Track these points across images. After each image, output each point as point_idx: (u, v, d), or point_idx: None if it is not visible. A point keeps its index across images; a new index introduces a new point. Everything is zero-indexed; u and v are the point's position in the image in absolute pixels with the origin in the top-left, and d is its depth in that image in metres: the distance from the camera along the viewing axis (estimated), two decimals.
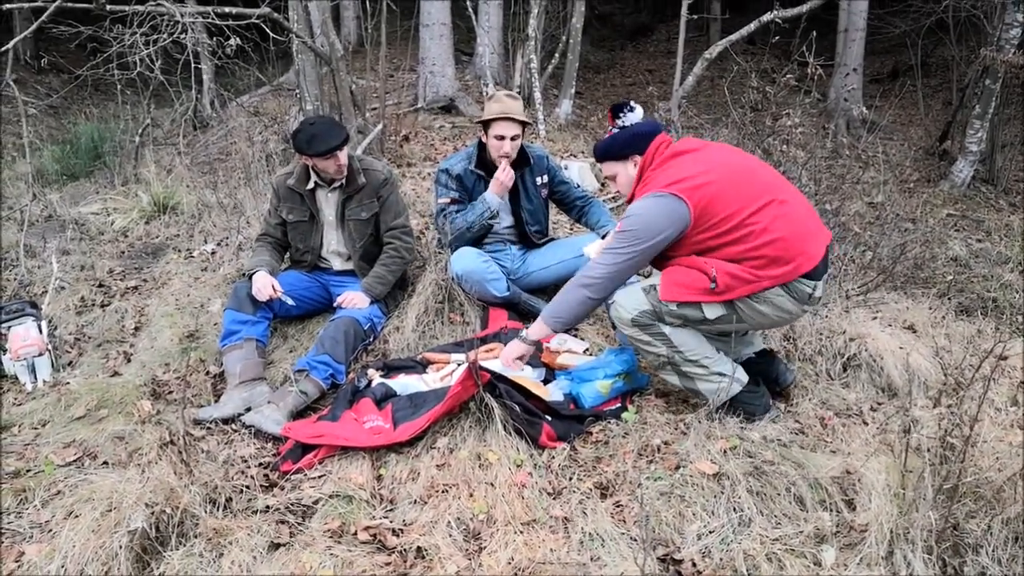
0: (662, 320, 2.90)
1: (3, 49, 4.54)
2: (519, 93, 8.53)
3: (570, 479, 2.74)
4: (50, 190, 6.57)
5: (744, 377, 3.02)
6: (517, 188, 4.05)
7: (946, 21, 9.08)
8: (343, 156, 3.69)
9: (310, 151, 3.60)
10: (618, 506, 2.56)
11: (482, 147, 3.99)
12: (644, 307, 2.90)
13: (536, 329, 3.14)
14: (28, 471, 2.81)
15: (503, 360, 3.23)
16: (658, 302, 2.88)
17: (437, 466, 2.76)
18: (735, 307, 2.86)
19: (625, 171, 3.07)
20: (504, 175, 3.84)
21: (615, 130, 3.07)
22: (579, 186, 4.39)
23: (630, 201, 3.05)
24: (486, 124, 3.87)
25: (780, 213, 2.82)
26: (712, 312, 2.86)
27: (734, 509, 2.46)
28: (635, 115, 3.06)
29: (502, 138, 3.83)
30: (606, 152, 3.09)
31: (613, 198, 6.13)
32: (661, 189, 2.82)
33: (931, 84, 11.16)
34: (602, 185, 6.47)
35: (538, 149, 4.15)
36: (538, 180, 4.10)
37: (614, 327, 3.78)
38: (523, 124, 3.90)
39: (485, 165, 3.98)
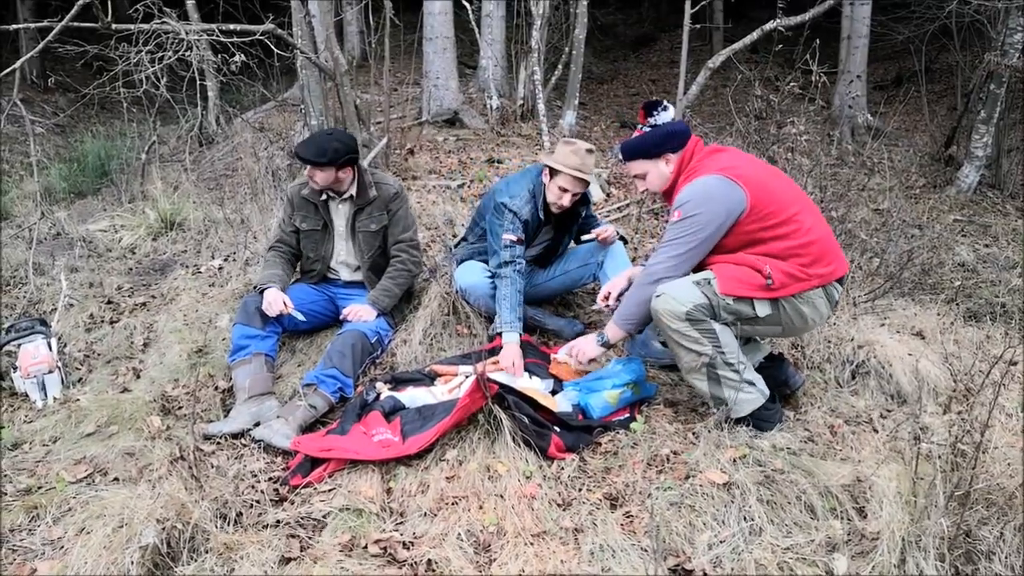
0: (716, 316, 2.84)
1: (10, 69, 4.58)
2: (522, 105, 8.58)
3: (579, 490, 2.73)
4: (58, 208, 6.62)
5: (767, 390, 2.98)
6: (571, 224, 4.02)
7: (949, 27, 9.06)
8: (321, 177, 3.70)
9: (296, 153, 3.70)
10: (628, 517, 2.56)
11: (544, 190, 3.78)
12: (700, 301, 2.81)
13: (612, 332, 3.12)
14: (39, 488, 2.81)
15: (576, 360, 3.23)
16: (715, 295, 2.82)
17: (446, 478, 2.76)
18: (780, 307, 2.86)
19: (657, 169, 3.03)
20: (515, 371, 3.50)
21: (646, 128, 3.05)
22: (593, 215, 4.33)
23: (667, 194, 3.05)
24: (555, 170, 3.65)
25: (816, 216, 2.90)
26: (762, 310, 2.85)
27: (745, 518, 2.46)
28: (668, 114, 3.04)
29: (565, 191, 3.65)
30: (637, 150, 3.05)
31: (619, 208, 6.14)
32: (715, 173, 2.82)
33: (935, 90, 11.15)
34: (607, 196, 6.48)
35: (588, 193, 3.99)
36: (581, 213, 4.02)
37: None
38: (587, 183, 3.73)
39: (546, 208, 3.80)
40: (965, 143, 8.00)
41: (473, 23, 8.87)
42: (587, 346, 3.20)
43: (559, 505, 2.64)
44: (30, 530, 2.56)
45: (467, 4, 8.51)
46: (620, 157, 3.18)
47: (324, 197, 3.84)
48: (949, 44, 9.51)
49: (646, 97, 10.77)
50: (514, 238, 3.69)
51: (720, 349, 2.85)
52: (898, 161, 8.52)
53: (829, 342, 3.65)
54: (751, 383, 2.93)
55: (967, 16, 8.22)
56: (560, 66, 9.14)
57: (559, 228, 4.00)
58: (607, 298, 3.31)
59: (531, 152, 7.60)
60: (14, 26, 5.20)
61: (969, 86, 8.37)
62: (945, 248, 5.90)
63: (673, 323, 2.84)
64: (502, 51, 9.43)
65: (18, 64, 4.67)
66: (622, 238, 4.05)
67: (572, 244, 4.18)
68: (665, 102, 3.07)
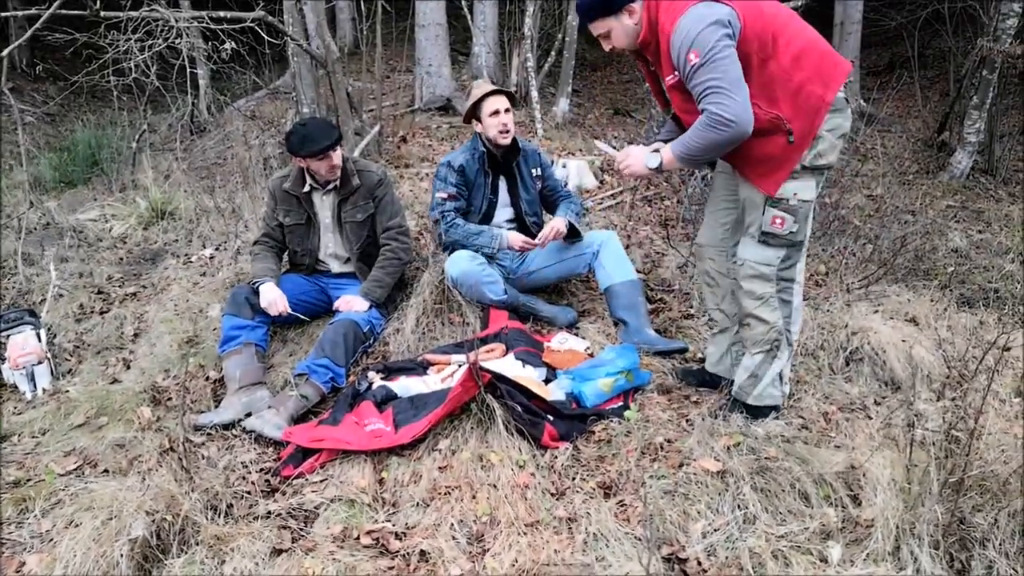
0: (791, 277, 2.79)
1: None
2: (516, 92, 8.53)
3: (573, 479, 2.72)
4: (48, 198, 6.57)
5: (786, 391, 3.01)
6: (515, 178, 4.06)
7: (942, 12, 9.06)
8: (336, 157, 3.68)
9: (303, 152, 3.60)
10: (622, 505, 2.55)
11: (481, 138, 3.97)
12: (779, 248, 2.73)
13: (668, 160, 2.75)
14: (28, 480, 2.80)
15: (622, 171, 2.90)
16: (779, 208, 2.66)
17: (439, 468, 2.75)
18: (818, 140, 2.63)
19: (620, 24, 2.72)
20: (532, 243, 3.90)
21: None
22: (565, 185, 4.45)
23: (645, 45, 2.75)
24: (476, 108, 3.87)
25: (797, 18, 2.68)
26: (808, 192, 2.67)
27: (739, 507, 2.45)
28: None
29: (497, 112, 3.84)
30: (596, 6, 2.73)
31: (612, 195, 6.11)
32: (693, 2, 2.53)
33: (928, 76, 11.14)
34: (601, 183, 6.45)
35: (527, 143, 4.17)
36: (533, 172, 4.12)
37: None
38: (511, 97, 3.93)
39: (488, 153, 3.97)
40: (958, 129, 8.01)
41: (465, 10, 8.81)
42: (638, 162, 2.84)
43: (552, 494, 2.63)
44: (19, 523, 2.53)
45: None
46: (580, 16, 2.87)
47: (307, 189, 3.81)
48: (942, 30, 9.50)
49: (640, 84, 10.73)
50: (445, 195, 3.94)
51: (788, 323, 2.86)
52: (891, 147, 8.52)
53: (823, 329, 3.64)
54: (782, 379, 2.94)
55: (960, 2, 8.21)
56: (553, 53, 9.10)
57: (508, 176, 4.06)
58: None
59: (522, 139, 7.55)
60: (2, 14, 5.14)
61: (962, 72, 8.35)
62: (938, 234, 5.90)
63: (761, 288, 2.82)
64: (495, 38, 9.38)
65: (6, 52, 4.63)
66: (575, 230, 3.98)
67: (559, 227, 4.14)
68: None
